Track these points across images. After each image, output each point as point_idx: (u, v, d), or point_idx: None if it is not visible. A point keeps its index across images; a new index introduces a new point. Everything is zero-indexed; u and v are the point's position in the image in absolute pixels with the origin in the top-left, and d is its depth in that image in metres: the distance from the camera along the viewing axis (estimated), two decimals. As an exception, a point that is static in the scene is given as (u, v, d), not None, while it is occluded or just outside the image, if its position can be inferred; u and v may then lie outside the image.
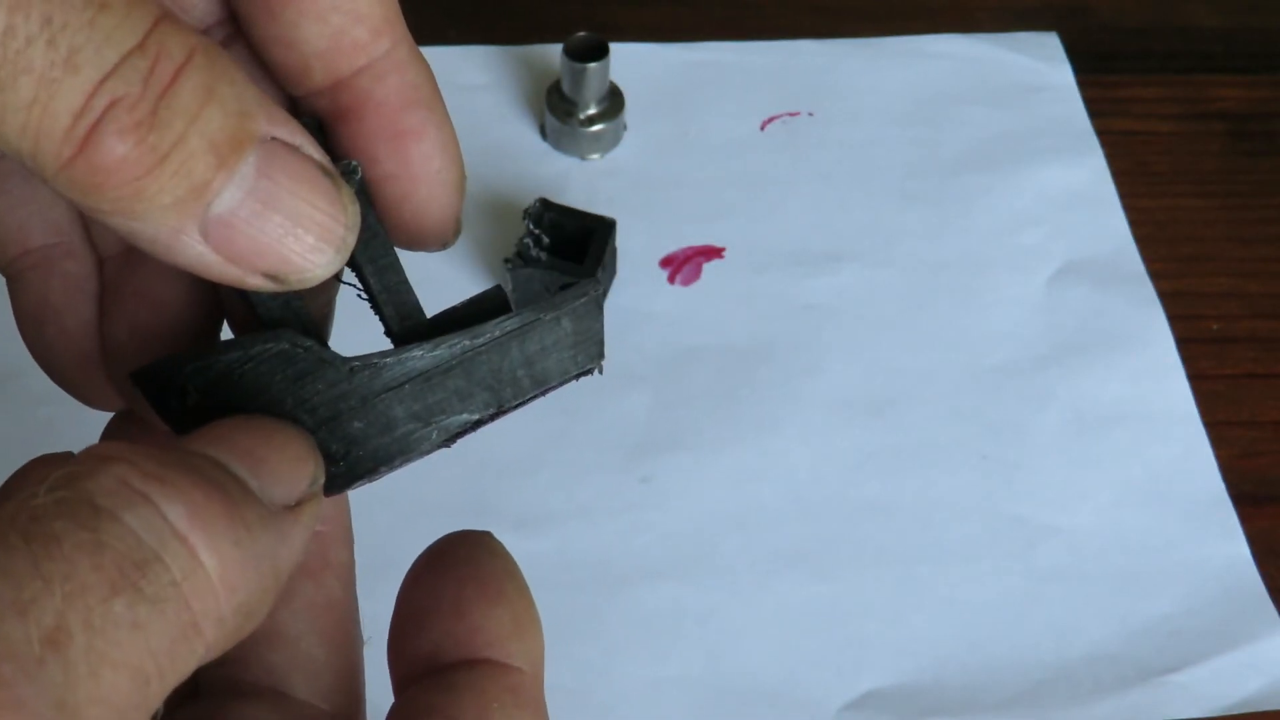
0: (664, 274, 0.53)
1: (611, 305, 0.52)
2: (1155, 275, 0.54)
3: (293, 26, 0.24)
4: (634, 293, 0.53)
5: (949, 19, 0.64)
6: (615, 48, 0.56)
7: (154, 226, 0.21)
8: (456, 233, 0.26)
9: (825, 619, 0.44)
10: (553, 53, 0.59)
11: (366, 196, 0.25)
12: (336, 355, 0.24)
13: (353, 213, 0.23)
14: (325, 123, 0.25)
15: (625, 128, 0.58)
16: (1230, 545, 0.47)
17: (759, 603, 0.44)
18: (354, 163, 0.25)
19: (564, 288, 0.26)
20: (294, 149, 0.22)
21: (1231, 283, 0.55)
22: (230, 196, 0.21)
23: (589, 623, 0.44)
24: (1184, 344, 0.52)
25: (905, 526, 0.47)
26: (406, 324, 0.26)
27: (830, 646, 0.44)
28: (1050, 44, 0.63)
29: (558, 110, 0.57)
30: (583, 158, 0.57)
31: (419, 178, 0.25)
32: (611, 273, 0.52)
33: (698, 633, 0.44)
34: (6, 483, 0.25)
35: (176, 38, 0.20)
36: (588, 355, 0.28)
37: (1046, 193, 0.57)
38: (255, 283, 0.22)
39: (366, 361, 0.24)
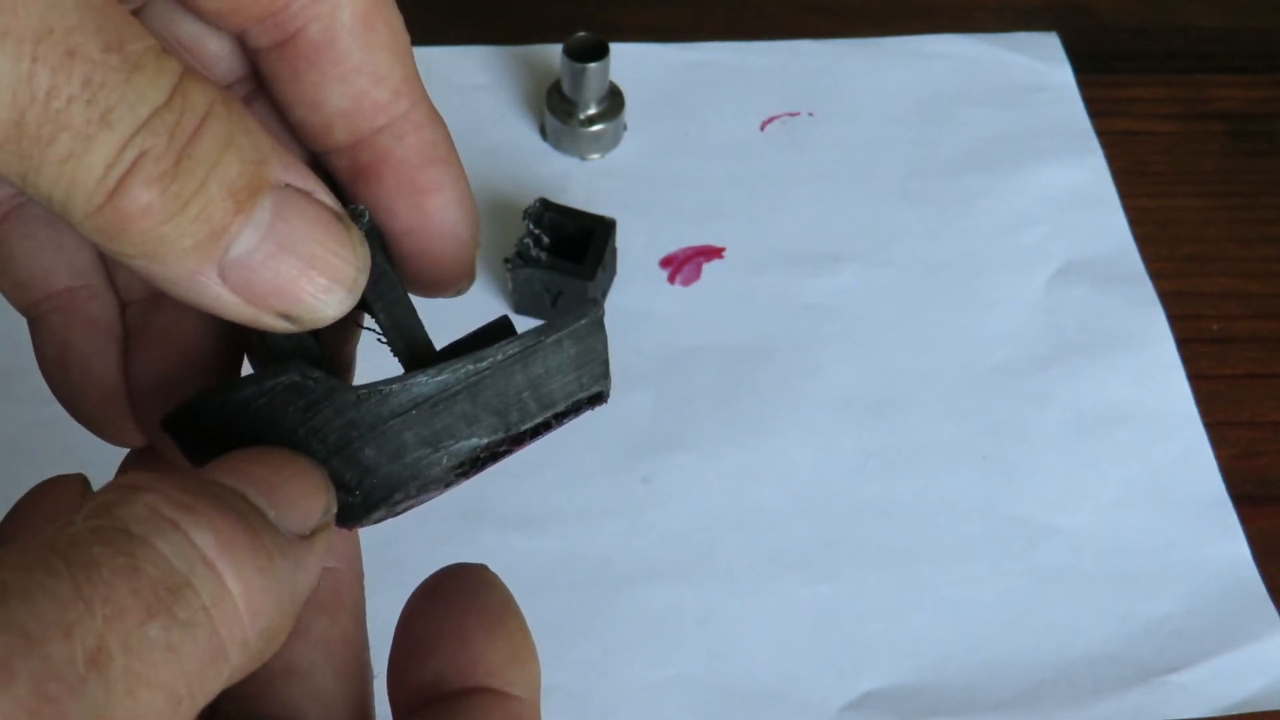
0: (664, 274, 0.53)
1: (611, 305, 0.52)
2: (1155, 275, 0.54)
3: (316, 88, 0.25)
4: (634, 293, 0.53)
5: (949, 19, 0.64)
6: (615, 48, 0.56)
7: (175, 269, 0.22)
8: (470, 281, 0.28)
9: (825, 619, 0.44)
10: (553, 53, 0.59)
11: (375, 238, 0.26)
12: (344, 384, 0.25)
13: (363, 254, 0.24)
14: (345, 178, 0.26)
15: (625, 128, 0.58)
16: (1230, 545, 0.47)
17: (759, 603, 0.44)
18: (362, 207, 0.26)
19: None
20: (307, 194, 0.23)
21: (1231, 283, 0.55)
22: (247, 240, 0.22)
23: (589, 623, 0.44)
24: (1184, 344, 0.52)
25: (905, 526, 0.47)
26: (416, 357, 0.27)
27: (830, 646, 0.44)
28: (1050, 44, 0.63)
29: (558, 110, 0.57)
30: (583, 158, 0.57)
31: (435, 232, 0.26)
32: (611, 273, 0.52)
33: (698, 633, 0.44)
34: (21, 505, 0.26)
35: (199, 92, 0.21)
36: (592, 376, 0.28)
37: (1046, 193, 0.57)
38: (270, 323, 0.23)
39: (374, 389, 0.25)
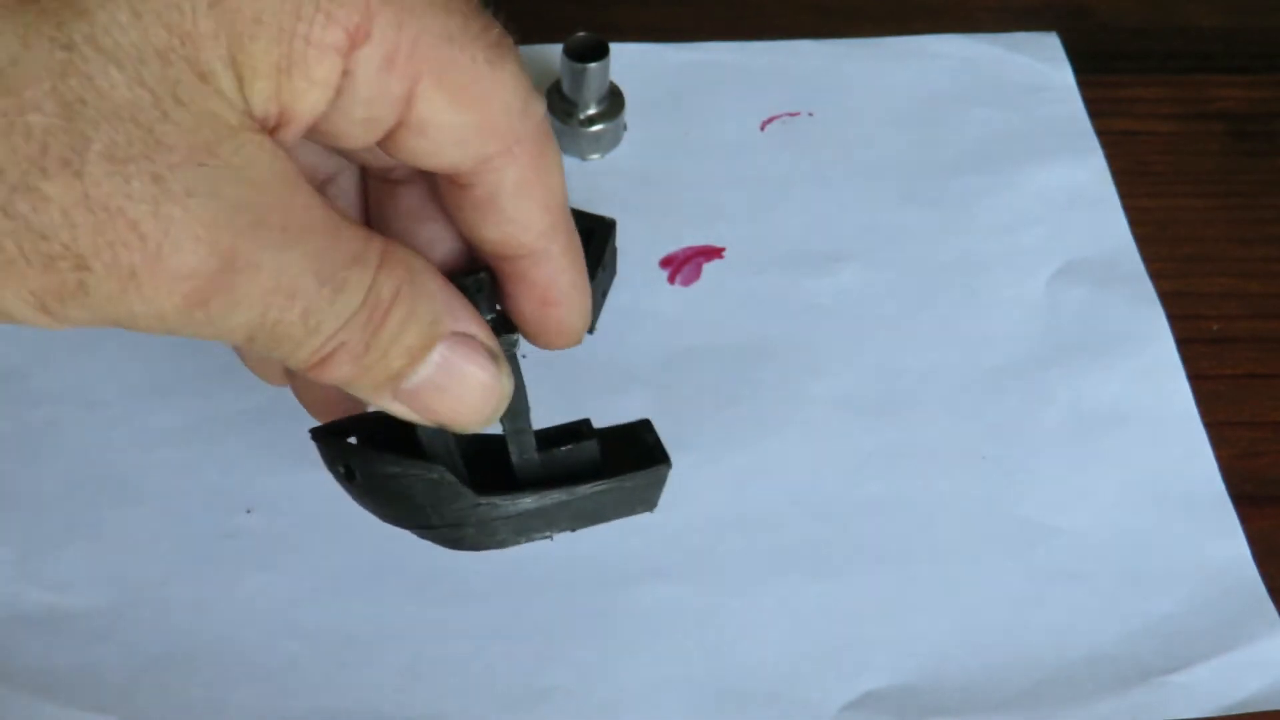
0: (664, 274, 0.53)
1: (611, 305, 0.52)
2: (1155, 275, 0.54)
3: (473, 224, 0.31)
4: (634, 293, 0.53)
5: (949, 19, 0.64)
6: (615, 48, 0.56)
7: (359, 394, 0.29)
8: (578, 340, 0.34)
9: (825, 619, 0.44)
10: (553, 53, 0.59)
11: (516, 363, 0.32)
12: (469, 491, 0.34)
13: (507, 388, 0.31)
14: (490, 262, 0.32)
15: (625, 128, 0.58)
16: (1230, 545, 0.47)
17: (759, 603, 0.44)
18: (515, 337, 0.32)
19: (641, 460, 0.38)
20: (470, 338, 0.30)
21: (1231, 283, 0.55)
22: (418, 377, 0.29)
23: (589, 623, 0.44)
24: (1184, 344, 0.52)
25: (905, 526, 0.47)
26: (524, 458, 0.35)
27: (830, 646, 0.44)
28: (1050, 44, 0.63)
29: (558, 110, 0.57)
30: (583, 158, 0.57)
31: (554, 331, 0.33)
32: (611, 273, 0.52)
33: (698, 633, 0.44)
34: None
35: (388, 285, 0.27)
36: (644, 505, 0.39)
37: (1046, 193, 0.57)
38: (426, 423, 0.30)
39: (490, 500, 0.34)
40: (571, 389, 0.49)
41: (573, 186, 0.56)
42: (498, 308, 0.32)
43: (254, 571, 0.44)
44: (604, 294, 0.52)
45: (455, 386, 0.29)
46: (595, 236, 0.50)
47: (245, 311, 0.25)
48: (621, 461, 0.39)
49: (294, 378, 0.37)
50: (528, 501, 0.35)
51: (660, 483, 0.38)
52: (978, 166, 0.58)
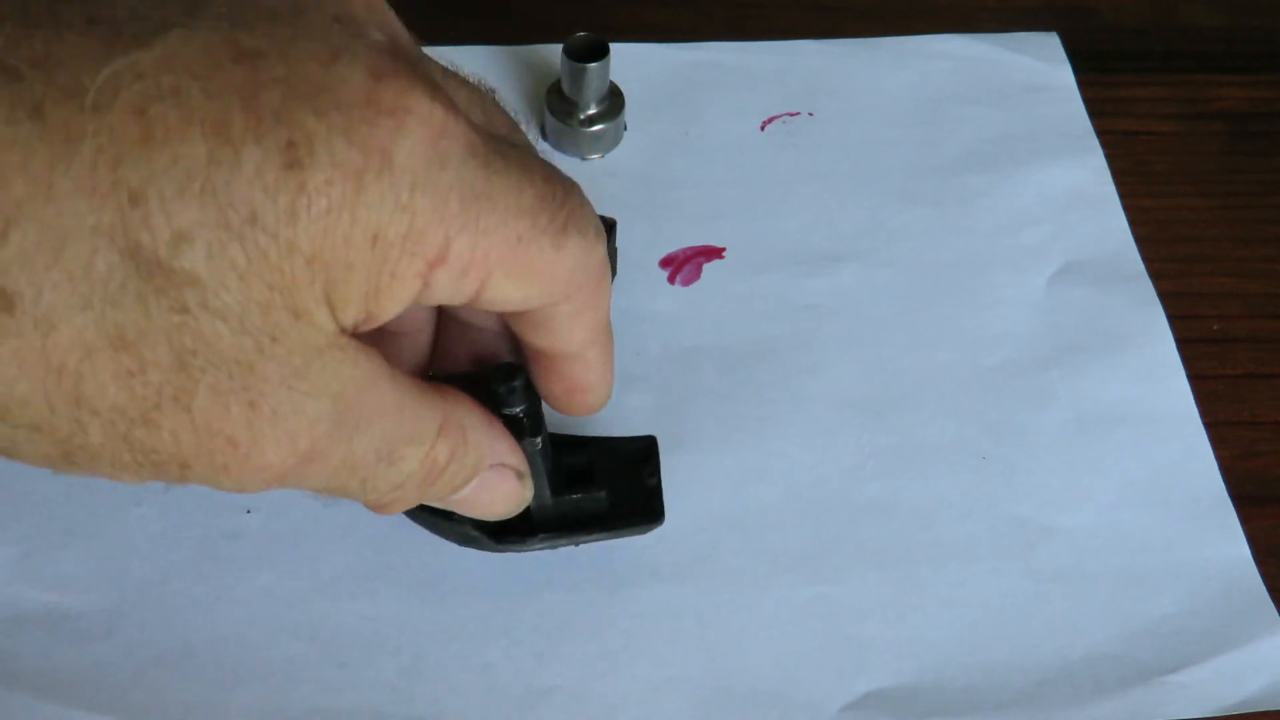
0: (664, 274, 0.53)
1: (612, 305, 0.52)
2: (1155, 275, 0.54)
3: (522, 333, 0.35)
4: (634, 293, 0.53)
5: (949, 19, 0.64)
6: (615, 48, 0.56)
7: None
8: (595, 411, 0.38)
9: (825, 619, 0.44)
10: (553, 53, 0.59)
11: (537, 460, 0.38)
12: (490, 541, 0.42)
13: (529, 492, 0.37)
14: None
15: (625, 128, 0.58)
16: (1230, 545, 0.47)
17: (759, 603, 0.44)
18: (539, 441, 0.38)
19: (644, 511, 0.44)
20: (504, 466, 0.36)
21: (1231, 283, 0.55)
22: (461, 493, 0.35)
23: (589, 623, 0.44)
24: (1184, 344, 0.52)
25: (905, 526, 0.47)
26: (540, 504, 0.41)
27: (830, 647, 0.44)
28: (1050, 44, 0.63)
29: (558, 110, 0.57)
30: (583, 158, 0.57)
31: (578, 408, 0.37)
32: (611, 273, 0.52)
33: (698, 633, 0.44)
34: None
35: (443, 451, 0.33)
36: (639, 534, 0.45)
37: (1046, 193, 0.57)
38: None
39: (510, 546, 0.43)
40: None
41: (573, 186, 0.56)
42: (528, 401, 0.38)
43: (254, 571, 0.44)
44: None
45: (487, 498, 0.36)
46: (595, 236, 0.50)
47: (313, 483, 0.30)
48: (623, 499, 0.44)
49: None
50: (538, 547, 0.43)
51: (656, 528, 0.44)
52: (978, 166, 0.58)
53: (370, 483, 0.31)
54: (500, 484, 0.36)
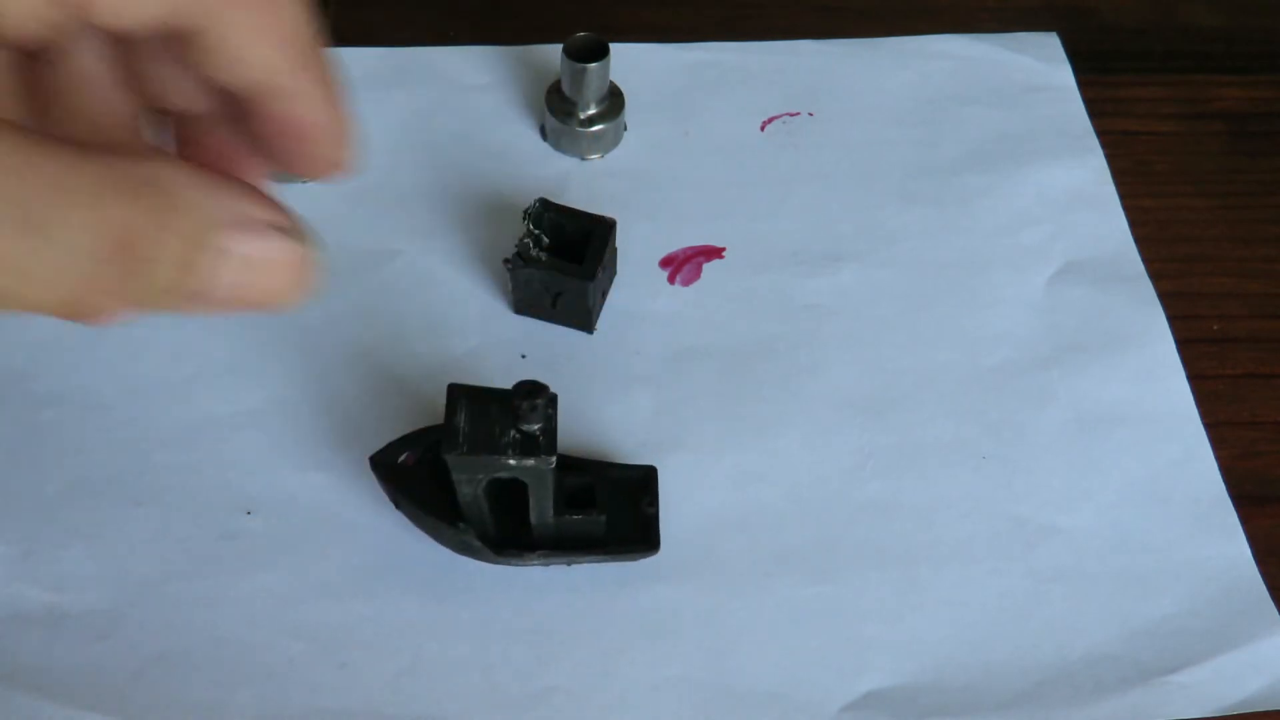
0: (664, 274, 0.53)
1: (611, 305, 0.52)
2: (1155, 275, 0.54)
3: (203, 73, 0.27)
4: (634, 293, 0.53)
5: (949, 19, 0.64)
6: (615, 48, 0.56)
7: (155, 311, 0.26)
8: (345, 169, 0.29)
9: (825, 619, 0.44)
10: (553, 53, 0.59)
11: (546, 479, 0.40)
12: (490, 552, 0.43)
13: (313, 249, 0.27)
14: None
15: (625, 128, 0.58)
16: (1230, 545, 0.47)
17: (759, 603, 0.44)
18: (552, 459, 0.39)
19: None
20: (256, 222, 0.26)
21: (1231, 283, 0.55)
22: (206, 279, 0.25)
23: (589, 623, 0.44)
24: (1184, 344, 0.52)
25: (905, 526, 0.47)
26: (541, 520, 0.43)
27: (830, 647, 0.44)
28: (1050, 44, 0.63)
29: (558, 110, 0.57)
30: (583, 158, 0.57)
31: (311, 164, 0.29)
32: (611, 273, 0.52)
33: (698, 633, 0.44)
34: None
35: (131, 212, 0.24)
36: (630, 560, 0.45)
37: (1046, 193, 0.57)
38: (248, 312, 0.27)
39: (508, 559, 0.43)
40: (573, 388, 0.49)
41: (573, 186, 0.56)
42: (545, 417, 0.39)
43: (254, 572, 0.44)
44: (604, 294, 0.52)
45: (259, 279, 0.26)
46: (595, 236, 0.50)
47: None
48: (621, 524, 0.45)
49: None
50: (533, 563, 0.44)
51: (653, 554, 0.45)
52: (978, 166, 0.58)
53: (29, 272, 0.23)
54: (264, 250, 0.26)
